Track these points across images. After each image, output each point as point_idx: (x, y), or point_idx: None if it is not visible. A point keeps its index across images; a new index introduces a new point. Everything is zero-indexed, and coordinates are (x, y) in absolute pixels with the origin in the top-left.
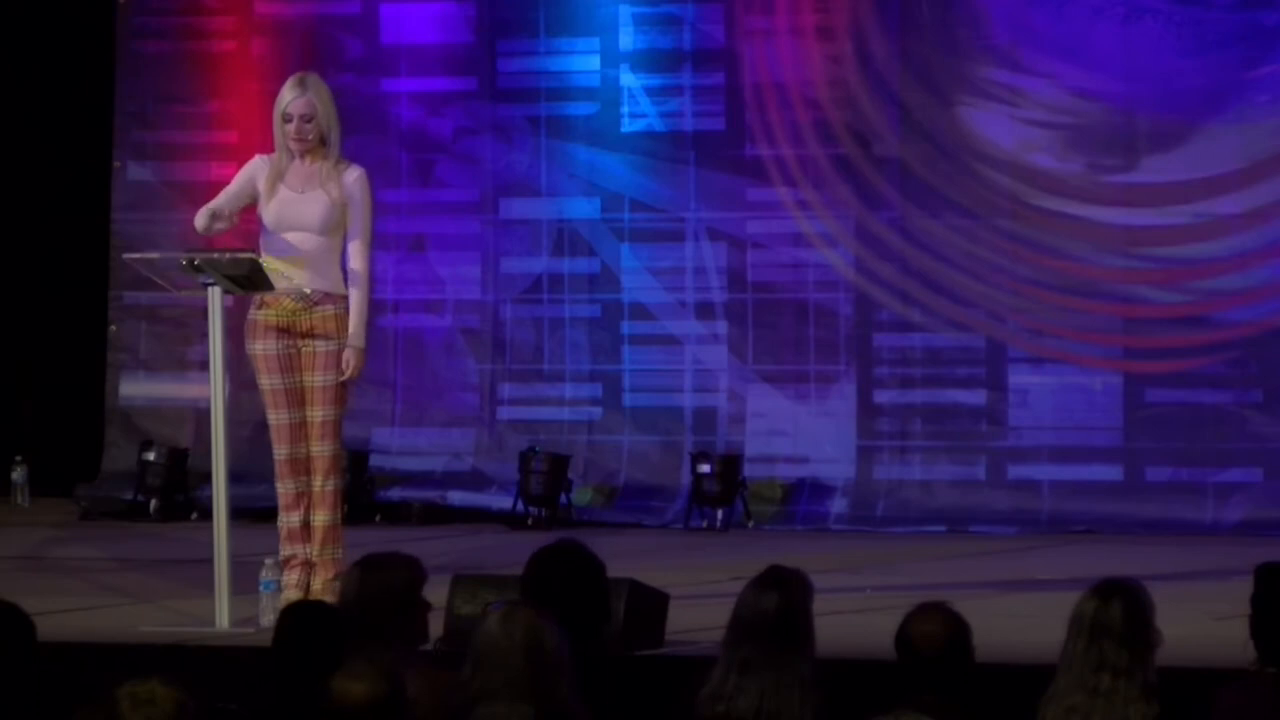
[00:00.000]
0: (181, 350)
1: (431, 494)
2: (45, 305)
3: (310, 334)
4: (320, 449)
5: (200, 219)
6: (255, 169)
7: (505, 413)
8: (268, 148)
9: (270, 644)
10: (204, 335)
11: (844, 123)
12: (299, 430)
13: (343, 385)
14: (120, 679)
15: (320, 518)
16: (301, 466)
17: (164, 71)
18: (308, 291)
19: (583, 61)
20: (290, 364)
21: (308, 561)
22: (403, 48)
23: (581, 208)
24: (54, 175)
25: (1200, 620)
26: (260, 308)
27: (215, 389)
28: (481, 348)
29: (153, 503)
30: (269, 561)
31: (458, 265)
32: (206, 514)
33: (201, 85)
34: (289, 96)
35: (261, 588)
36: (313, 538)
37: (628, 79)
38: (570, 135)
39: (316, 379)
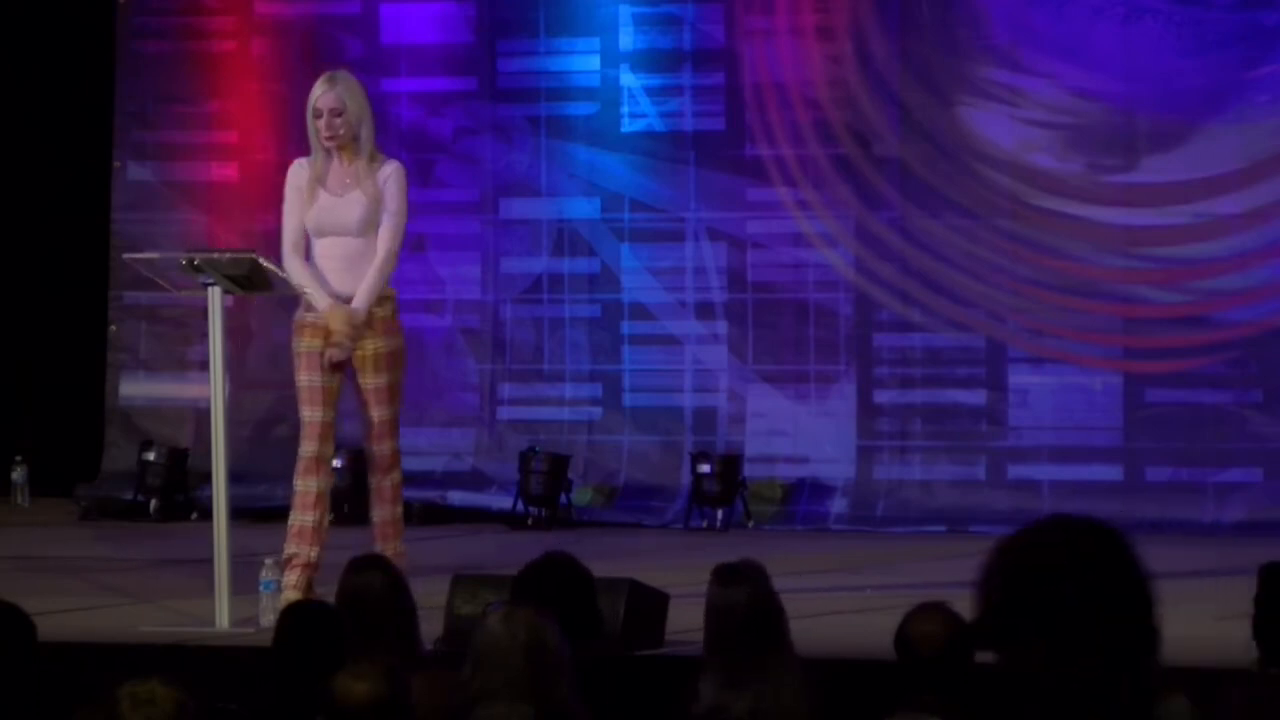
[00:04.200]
0: (181, 350)
1: (431, 494)
2: (45, 305)
3: (359, 336)
4: (380, 448)
5: (292, 262)
6: (298, 177)
7: (505, 413)
8: (267, 148)
9: (270, 644)
10: (204, 335)
11: (844, 123)
12: (329, 430)
13: (397, 385)
14: (120, 679)
15: (385, 512)
16: (326, 467)
17: (164, 71)
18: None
19: (583, 61)
20: (334, 364)
21: (309, 563)
22: (403, 48)
23: (581, 208)
24: (54, 175)
25: (1200, 620)
26: (309, 309)
27: (215, 389)
28: (481, 348)
29: (153, 503)
30: (269, 561)
31: (458, 265)
32: (206, 514)
33: (201, 85)
34: (318, 92)
35: (261, 588)
36: (381, 533)
37: (628, 79)
38: (570, 135)
39: (369, 381)
